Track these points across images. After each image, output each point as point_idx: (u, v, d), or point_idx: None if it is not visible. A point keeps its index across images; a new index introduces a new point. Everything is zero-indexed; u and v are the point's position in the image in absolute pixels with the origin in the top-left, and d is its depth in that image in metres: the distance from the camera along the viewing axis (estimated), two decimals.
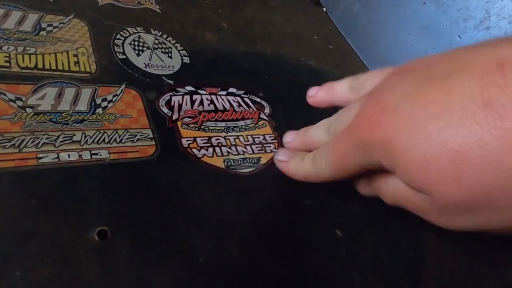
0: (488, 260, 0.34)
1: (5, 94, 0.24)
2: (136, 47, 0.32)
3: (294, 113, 0.36)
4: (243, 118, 0.33)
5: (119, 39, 0.32)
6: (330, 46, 0.47)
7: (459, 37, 0.40)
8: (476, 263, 0.33)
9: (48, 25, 0.29)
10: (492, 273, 0.33)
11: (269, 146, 0.32)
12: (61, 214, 0.21)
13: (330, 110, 0.39)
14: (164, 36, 0.35)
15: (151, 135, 0.27)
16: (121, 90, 0.28)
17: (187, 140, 0.28)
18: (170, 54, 0.33)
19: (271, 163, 0.31)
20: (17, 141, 0.22)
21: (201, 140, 0.29)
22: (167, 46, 0.34)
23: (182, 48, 0.35)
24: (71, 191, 0.22)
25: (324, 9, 0.52)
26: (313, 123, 0.36)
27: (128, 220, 0.23)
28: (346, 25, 0.50)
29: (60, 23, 0.30)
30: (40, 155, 0.23)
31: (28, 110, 0.24)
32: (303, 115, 0.37)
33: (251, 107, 0.34)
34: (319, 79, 0.41)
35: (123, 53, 0.31)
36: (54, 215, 0.21)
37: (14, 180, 0.21)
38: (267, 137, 0.32)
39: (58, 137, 0.24)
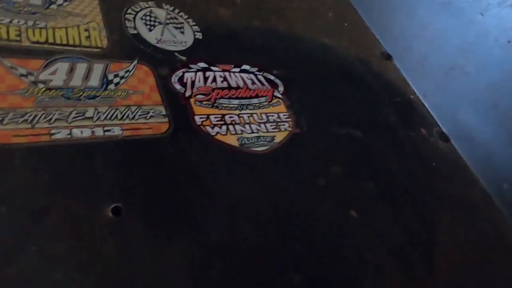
0: (502, 246, 0.34)
1: (16, 69, 0.24)
2: (148, 22, 0.31)
3: (308, 92, 0.35)
4: (257, 96, 0.32)
5: (130, 13, 0.31)
6: (346, 23, 0.45)
7: (482, 15, 0.38)
8: (490, 249, 0.33)
9: None
10: (506, 258, 0.33)
11: (284, 125, 0.31)
12: (75, 191, 0.21)
13: (349, 90, 0.38)
14: (176, 11, 0.34)
15: (164, 112, 0.26)
16: (133, 66, 0.28)
17: (200, 118, 0.28)
18: (182, 30, 0.32)
19: (285, 142, 0.30)
20: (30, 116, 0.22)
21: (215, 117, 0.28)
22: (179, 21, 0.33)
23: (194, 23, 0.34)
24: (84, 167, 0.22)
25: None
26: (327, 104, 0.36)
27: (141, 198, 0.22)
28: (363, 4, 0.48)
29: None
30: (53, 131, 0.22)
31: (40, 85, 0.24)
32: (317, 94, 0.36)
33: (265, 85, 0.33)
34: (333, 58, 0.40)
35: (135, 28, 0.30)
36: (68, 192, 0.21)
37: (28, 156, 0.21)
38: (281, 115, 0.32)
39: (70, 113, 0.23)
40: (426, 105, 0.42)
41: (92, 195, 0.21)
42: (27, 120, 0.22)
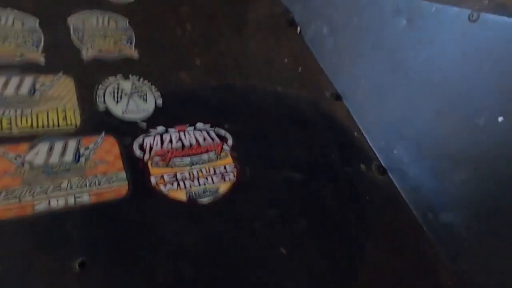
0: (424, 272, 0.40)
1: (8, 154, 0.31)
2: (115, 95, 0.38)
3: (255, 142, 0.42)
4: (207, 151, 0.39)
5: (100, 89, 0.38)
6: (300, 68, 0.51)
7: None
8: (412, 275, 0.39)
9: (41, 86, 0.36)
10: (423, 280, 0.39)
11: (229, 175, 0.38)
12: (50, 251, 0.28)
13: (295, 135, 0.45)
14: (141, 80, 0.40)
15: (125, 177, 0.34)
16: (101, 139, 0.35)
17: (155, 178, 0.35)
18: (145, 98, 0.39)
19: (228, 192, 0.37)
20: (17, 193, 0.30)
21: (168, 176, 0.35)
22: (143, 90, 0.40)
23: (157, 90, 0.40)
24: (58, 231, 0.29)
25: (298, 29, 0.56)
26: (272, 151, 0.42)
27: (104, 252, 0.30)
28: (317, 46, 0.54)
29: (51, 82, 0.36)
30: (35, 203, 0.30)
31: (26, 165, 0.31)
32: (264, 142, 0.42)
33: (215, 140, 0.40)
34: (283, 105, 0.47)
35: (104, 103, 0.37)
36: (44, 252, 0.28)
37: (14, 226, 0.28)
38: (227, 167, 0.38)
39: (49, 186, 0.31)
40: (369, 141, 0.48)
41: (62, 253, 0.28)
42: (15, 196, 0.29)
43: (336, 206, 0.41)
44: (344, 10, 0.50)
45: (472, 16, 0.36)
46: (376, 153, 0.47)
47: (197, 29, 0.49)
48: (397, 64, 0.44)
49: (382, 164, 0.46)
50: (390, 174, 0.46)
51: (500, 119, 0.35)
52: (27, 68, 0.36)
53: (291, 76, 0.50)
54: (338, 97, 0.51)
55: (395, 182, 0.45)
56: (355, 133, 0.48)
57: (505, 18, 0.34)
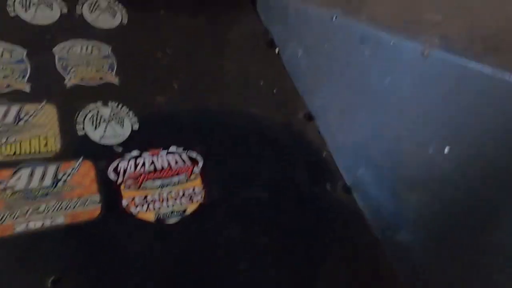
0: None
1: None
2: (94, 122, 0.42)
3: (225, 164, 0.45)
4: (177, 174, 0.42)
5: (81, 116, 0.41)
6: (274, 90, 0.54)
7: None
8: None
9: (26, 115, 0.39)
10: None
11: (196, 197, 0.41)
12: (26, 269, 0.32)
13: (264, 156, 0.47)
14: (120, 106, 0.44)
15: (98, 199, 0.37)
16: (78, 164, 0.38)
17: (126, 200, 0.38)
18: (122, 124, 0.43)
19: (194, 213, 0.40)
20: (0, 216, 0.33)
21: (139, 198, 0.39)
22: (121, 116, 0.43)
23: (134, 115, 0.44)
24: (35, 251, 0.33)
25: (277, 49, 0.59)
26: (241, 172, 0.45)
27: (76, 271, 0.33)
28: (293, 67, 0.56)
29: (34, 111, 0.40)
30: (15, 225, 0.33)
31: (8, 191, 0.35)
32: (233, 164, 0.45)
33: (186, 163, 0.43)
34: (255, 126, 0.50)
35: (83, 129, 0.41)
36: (21, 271, 0.32)
37: None
38: (196, 188, 0.42)
39: (28, 210, 0.34)
40: (336, 161, 0.50)
41: (38, 270, 0.32)
42: None
43: (299, 224, 0.44)
44: (317, 33, 0.52)
45: (424, 52, 0.39)
46: (342, 173, 0.50)
47: (177, 51, 0.52)
48: (363, 89, 0.47)
49: (347, 183, 0.49)
50: (354, 194, 0.48)
51: (446, 149, 0.38)
52: (14, 97, 0.40)
53: (266, 97, 0.53)
54: (310, 118, 0.53)
55: (358, 202, 0.48)
56: (324, 153, 0.51)
57: (452, 57, 0.37)
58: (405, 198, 0.43)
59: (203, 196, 0.41)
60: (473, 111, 0.36)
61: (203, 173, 0.43)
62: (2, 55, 0.42)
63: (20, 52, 0.42)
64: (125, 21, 0.51)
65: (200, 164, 0.43)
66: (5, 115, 0.38)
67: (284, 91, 0.55)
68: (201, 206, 0.41)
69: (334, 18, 0.49)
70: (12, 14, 0.45)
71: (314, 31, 0.53)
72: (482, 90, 0.35)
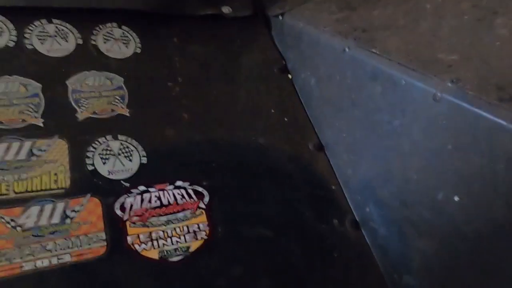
0: None
1: (3, 218, 0.36)
2: (104, 156, 0.43)
3: (231, 198, 0.45)
4: (183, 210, 0.42)
5: (91, 151, 0.42)
6: (286, 119, 0.54)
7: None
8: None
9: (38, 150, 0.40)
10: None
11: (201, 234, 0.41)
12: None
13: (272, 190, 0.47)
14: (129, 140, 0.45)
15: (104, 237, 0.38)
16: (86, 200, 0.39)
17: (131, 238, 0.39)
18: (131, 158, 0.43)
19: (198, 250, 0.40)
20: (9, 255, 0.35)
21: (143, 235, 0.39)
22: (130, 150, 0.44)
23: (142, 149, 0.44)
24: None
25: (290, 76, 0.58)
26: (246, 207, 0.45)
27: None
28: (305, 95, 0.56)
29: (47, 146, 0.41)
30: (23, 264, 0.35)
31: (18, 229, 0.36)
32: (239, 199, 0.45)
33: (193, 198, 0.43)
34: (263, 159, 0.49)
35: (92, 164, 0.42)
36: None
37: (2, 286, 0.33)
38: (201, 225, 0.42)
39: (36, 248, 0.36)
40: (345, 194, 0.50)
41: None
42: (6, 258, 0.34)
43: (303, 263, 0.43)
44: (329, 63, 0.52)
45: (436, 96, 0.38)
46: (351, 207, 0.49)
47: (188, 80, 0.52)
48: (373, 125, 0.46)
49: (356, 219, 0.48)
50: (362, 230, 0.48)
51: (456, 198, 0.37)
52: (27, 133, 0.41)
53: (276, 126, 0.53)
54: (320, 148, 0.53)
55: (366, 239, 0.47)
56: (333, 186, 0.50)
57: (465, 103, 0.35)
58: (412, 241, 0.42)
59: (207, 233, 0.42)
60: (486, 162, 0.34)
61: (208, 208, 0.43)
62: (18, 90, 0.43)
63: (35, 87, 0.44)
64: (138, 50, 0.52)
65: (206, 199, 0.44)
66: (19, 151, 0.40)
67: (295, 120, 0.54)
68: (204, 243, 0.41)
69: (346, 49, 0.49)
70: (29, 47, 0.46)
71: (327, 61, 0.52)
72: (495, 141, 0.34)
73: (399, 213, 0.43)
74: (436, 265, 0.40)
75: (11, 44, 0.46)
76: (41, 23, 0.48)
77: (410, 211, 0.42)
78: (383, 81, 0.44)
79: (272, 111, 0.54)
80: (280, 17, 0.61)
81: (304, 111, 0.56)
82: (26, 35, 0.47)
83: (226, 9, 0.59)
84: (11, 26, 0.47)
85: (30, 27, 0.47)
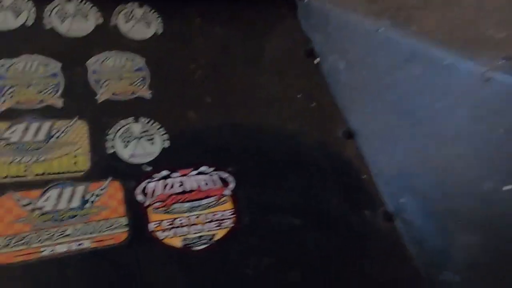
0: None
1: (21, 200, 0.34)
2: (125, 139, 0.41)
3: (257, 185, 0.42)
4: (207, 197, 0.40)
5: (111, 133, 0.40)
6: (313, 104, 0.51)
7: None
8: None
9: (57, 131, 0.39)
10: None
11: (226, 222, 0.39)
12: None
13: (299, 178, 0.45)
14: (151, 122, 0.42)
15: (125, 222, 0.36)
16: (107, 184, 0.37)
17: (154, 224, 0.37)
18: (152, 141, 0.41)
19: (223, 239, 0.38)
20: (27, 239, 0.33)
21: (166, 222, 0.37)
22: (151, 133, 0.42)
23: (164, 132, 0.42)
24: (60, 276, 0.32)
25: (317, 60, 0.55)
26: (273, 195, 0.43)
27: None
28: (333, 80, 0.53)
29: (66, 127, 0.39)
30: (42, 249, 0.33)
31: (36, 211, 0.34)
32: (265, 186, 0.43)
33: (217, 184, 0.41)
34: (290, 145, 0.47)
35: (113, 147, 0.40)
36: None
37: (23, 271, 0.31)
38: (226, 213, 0.40)
39: (55, 233, 0.34)
40: (377, 185, 0.47)
41: None
42: (25, 242, 0.33)
43: (333, 255, 0.41)
44: (360, 46, 0.49)
45: (485, 75, 0.34)
46: (383, 198, 0.46)
47: (211, 62, 0.50)
48: (409, 110, 0.43)
49: (389, 210, 0.45)
50: (396, 222, 0.45)
51: (506, 188, 0.33)
52: (46, 113, 0.39)
53: (303, 112, 0.50)
54: (350, 135, 0.50)
55: (400, 231, 0.44)
56: (364, 176, 0.47)
57: None
58: (455, 235, 0.39)
59: (232, 221, 0.39)
60: None
61: (234, 196, 0.41)
62: (37, 69, 0.41)
63: (55, 66, 0.42)
64: (160, 31, 0.49)
65: (231, 185, 0.41)
66: (37, 132, 0.38)
67: (323, 106, 0.51)
68: (229, 232, 0.39)
69: (379, 30, 0.45)
70: (48, 27, 0.44)
71: (357, 43, 0.49)
72: None
73: (439, 204, 0.40)
74: (482, 262, 0.37)
75: (30, 22, 0.44)
76: (61, 2, 0.46)
77: (451, 202, 0.39)
78: (423, 62, 0.41)
79: (298, 96, 0.51)
80: None
81: (331, 96, 0.53)
82: (45, 14, 0.45)
83: None
84: (30, 4, 0.45)
85: (49, 6, 0.46)
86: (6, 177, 0.35)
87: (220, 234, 0.38)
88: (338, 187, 0.45)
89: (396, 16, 0.45)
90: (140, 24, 0.49)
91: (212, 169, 0.42)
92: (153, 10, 0.50)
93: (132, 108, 0.43)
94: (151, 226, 0.37)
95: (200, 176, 0.41)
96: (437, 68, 0.39)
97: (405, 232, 0.44)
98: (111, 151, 0.39)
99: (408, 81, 0.42)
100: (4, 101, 0.39)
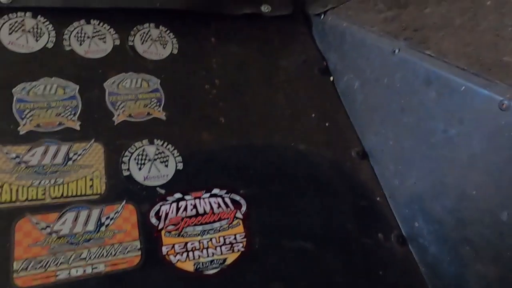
0: None
1: (39, 223, 0.35)
2: (139, 161, 0.41)
3: (269, 208, 0.42)
4: (219, 219, 0.40)
5: (126, 156, 0.41)
6: (327, 123, 0.51)
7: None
8: None
9: (74, 154, 0.40)
10: None
11: (238, 246, 0.39)
12: None
13: (312, 200, 0.44)
14: (165, 144, 0.43)
15: (139, 246, 0.37)
16: (121, 207, 0.38)
17: (166, 248, 0.37)
18: (166, 163, 0.42)
19: (235, 263, 0.38)
20: (44, 262, 0.34)
21: (178, 246, 0.38)
22: (165, 155, 0.42)
23: (178, 154, 0.43)
24: None
25: (332, 78, 0.55)
26: (285, 218, 0.43)
27: None
28: (348, 99, 0.52)
29: (83, 150, 0.40)
30: (58, 272, 0.34)
31: (53, 235, 0.35)
32: (277, 209, 0.43)
33: (229, 207, 0.41)
34: (303, 167, 0.47)
35: (128, 170, 0.40)
36: None
37: None
38: (238, 236, 0.40)
39: (71, 256, 0.35)
40: (391, 206, 0.46)
41: None
42: (42, 266, 0.34)
43: (346, 280, 0.40)
44: (375, 66, 0.48)
45: (503, 104, 0.34)
46: (398, 221, 0.45)
47: (226, 82, 0.50)
48: (425, 133, 0.42)
49: (403, 233, 0.45)
50: (410, 246, 0.44)
51: None
52: (64, 135, 0.40)
53: (317, 131, 0.50)
54: (364, 156, 0.49)
55: (414, 256, 0.43)
56: (378, 198, 0.47)
57: None
58: (470, 263, 0.38)
59: (244, 244, 0.40)
60: None
61: (246, 218, 0.41)
62: (56, 92, 0.42)
63: (73, 88, 0.43)
64: (175, 51, 0.50)
65: (243, 208, 0.42)
66: (55, 155, 0.39)
67: (337, 125, 0.51)
68: (241, 255, 0.39)
69: (396, 51, 0.45)
70: (67, 49, 0.46)
71: (373, 63, 0.49)
72: None
73: (454, 230, 0.39)
74: None
75: (50, 45, 0.45)
76: (80, 24, 0.48)
77: (467, 230, 0.38)
78: (438, 86, 0.40)
79: (313, 115, 0.51)
80: (322, 16, 0.58)
81: (346, 115, 0.52)
82: (65, 36, 0.46)
83: (265, 8, 0.57)
84: (50, 27, 0.46)
85: (69, 28, 0.47)
86: (25, 200, 0.36)
87: (231, 258, 0.38)
88: (351, 209, 0.45)
89: (413, 37, 0.45)
90: (156, 45, 0.50)
91: (224, 191, 0.42)
92: (168, 31, 0.51)
93: (147, 130, 0.43)
94: (164, 249, 0.37)
95: (213, 199, 0.41)
96: (453, 93, 0.38)
97: (419, 257, 0.43)
98: (126, 173, 0.40)
99: (423, 104, 0.42)
100: (25, 124, 0.40)
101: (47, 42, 0.45)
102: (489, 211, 0.36)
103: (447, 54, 0.39)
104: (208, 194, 0.42)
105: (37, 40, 0.45)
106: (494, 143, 0.35)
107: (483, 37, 0.39)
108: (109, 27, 0.49)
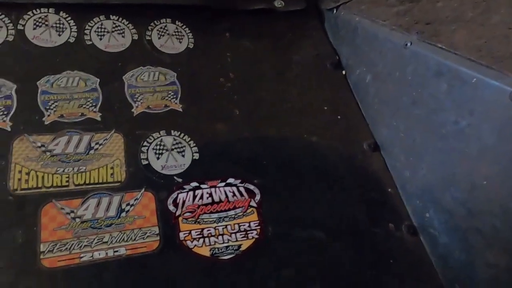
0: None
1: (64, 209, 0.37)
2: (157, 151, 0.43)
3: (282, 198, 0.44)
4: (234, 208, 0.42)
5: (145, 145, 0.43)
6: (339, 116, 0.52)
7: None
8: None
9: (96, 144, 0.41)
10: None
11: (252, 233, 0.41)
12: None
13: (324, 191, 0.46)
14: (182, 135, 0.45)
15: (157, 232, 0.38)
16: (141, 194, 0.40)
17: (184, 233, 0.39)
18: (183, 153, 0.43)
19: (249, 249, 0.40)
20: (69, 245, 0.36)
21: (195, 232, 0.39)
22: (182, 145, 0.44)
23: (194, 144, 0.44)
24: (97, 280, 0.35)
25: (344, 72, 0.56)
26: (298, 207, 0.44)
27: None
28: (360, 92, 0.53)
29: (104, 140, 0.42)
30: (82, 255, 0.36)
31: (77, 220, 0.37)
32: (291, 199, 0.44)
33: (244, 196, 0.43)
34: (316, 157, 0.48)
35: (146, 159, 0.42)
36: None
37: (64, 275, 0.34)
38: (252, 224, 0.41)
39: (93, 240, 0.36)
40: (403, 199, 0.47)
41: None
42: (67, 248, 0.35)
43: (357, 269, 0.41)
44: (387, 59, 0.49)
45: None
46: (409, 212, 0.46)
47: (240, 75, 0.51)
48: (436, 125, 0.43)
49: (414, 224, 0.45)
50: (421, 236, 0.45)
51: None
52: (86, 126, 0.42)
53: (329, 124, 0.51)
54: (375, 148, 0.50)
55: (425, 246, 0.44)
56: (389, 189, 0.47)
57: None
58: (480, 253, 0.39)
59: (258, 232, 0.41)
60: None
61: (260, 207, 0.42)
62: (78, 84, 0.44)
63: (94, 81, 0.45)
64: (191, 45, 0.52)
65: (257, 197, 0.43)
66: (78, 144, 0.41)
67: (349, 118, 0.52)
68: (256, 242, 0.40)
69: (407, 44, 0.46)
70: (88, 43, 0.47)
71: (385, 57, 0.49)
72: None
73: (465, 221, 0.40)
74: (506, 281, 0.37)
75: (72, 40, 0.47)
76: (100, 19, 0.49)
77: (477, 220, 0.39)
78: (450, 78, 0.41)
79: (325, 108, 0.52)
80: (334, 11, 0.59)
81: (358, 108, 0.53)
82: (85, 31, 0.48)
83: (278, 3, 0.58)
84: (72, 22, 0.48)
85: (89, 24, 0.49)
86: (50, 186, 0.38)
87: (246, 244, 0.40)
88: (363, 200, 0.46)
89: (425, 31, 0.45)
90: (172, 39, 0.51)
91: (239, 181, 0.43)
92: (185, 26, 0.52)
93: (164, 121, 0.45)
94: (181, 235, 0.39)
95: (228, 188, 0.43)
96: (464, 85, 0.39)
97: (429, 247, 0.44)
98: (145, 162, 0.42)
99: (434, 96, 0.43)
100: (49, 114, 0.42)
101: (69, 37, 0.47)
102: (499, 201, 0.36)
103: (459, 47, 0.40)
104: (223, 183, 0.43)
105: (59, 35, 0.47)
106: (504, 134, 0.35)
107: (495, 30, 0.40)
108: (127, 22, 0.50)
